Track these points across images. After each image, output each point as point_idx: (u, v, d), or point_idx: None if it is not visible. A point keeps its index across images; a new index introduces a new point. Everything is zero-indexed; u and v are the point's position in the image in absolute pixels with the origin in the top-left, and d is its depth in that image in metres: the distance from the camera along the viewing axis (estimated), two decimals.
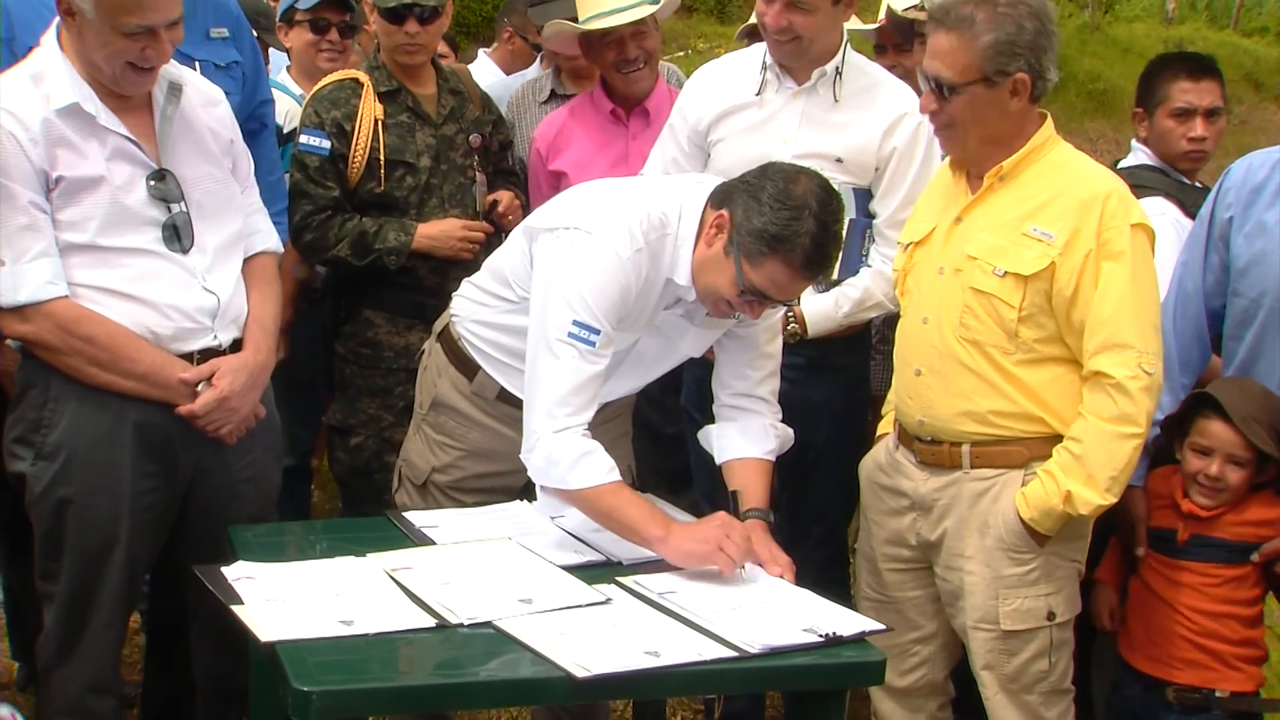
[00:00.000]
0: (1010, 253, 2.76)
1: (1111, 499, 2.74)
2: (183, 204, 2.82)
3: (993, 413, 2.80)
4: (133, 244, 2.77)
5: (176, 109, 2.84)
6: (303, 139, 3.64)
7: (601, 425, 3.02)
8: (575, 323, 2.64)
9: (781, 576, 2.65)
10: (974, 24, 2.68)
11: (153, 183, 2.79)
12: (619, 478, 2.67)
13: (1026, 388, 2.78)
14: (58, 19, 2.76)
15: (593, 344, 2.65)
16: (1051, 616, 2.83)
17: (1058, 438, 2.78)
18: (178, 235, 2.82)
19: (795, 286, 2.69)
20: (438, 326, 3.12)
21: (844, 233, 2.69)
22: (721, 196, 2.71)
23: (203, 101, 2.93)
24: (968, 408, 2.81)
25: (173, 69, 2.86)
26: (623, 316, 2.71)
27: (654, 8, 3.69)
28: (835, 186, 3.21)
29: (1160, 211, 3.32)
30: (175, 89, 2.84)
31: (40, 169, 2.69)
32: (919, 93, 2.90)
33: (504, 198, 3.80)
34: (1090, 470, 2.71)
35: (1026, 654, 2.84)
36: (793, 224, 2.58)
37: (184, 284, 2.83)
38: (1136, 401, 2.70)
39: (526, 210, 3.87)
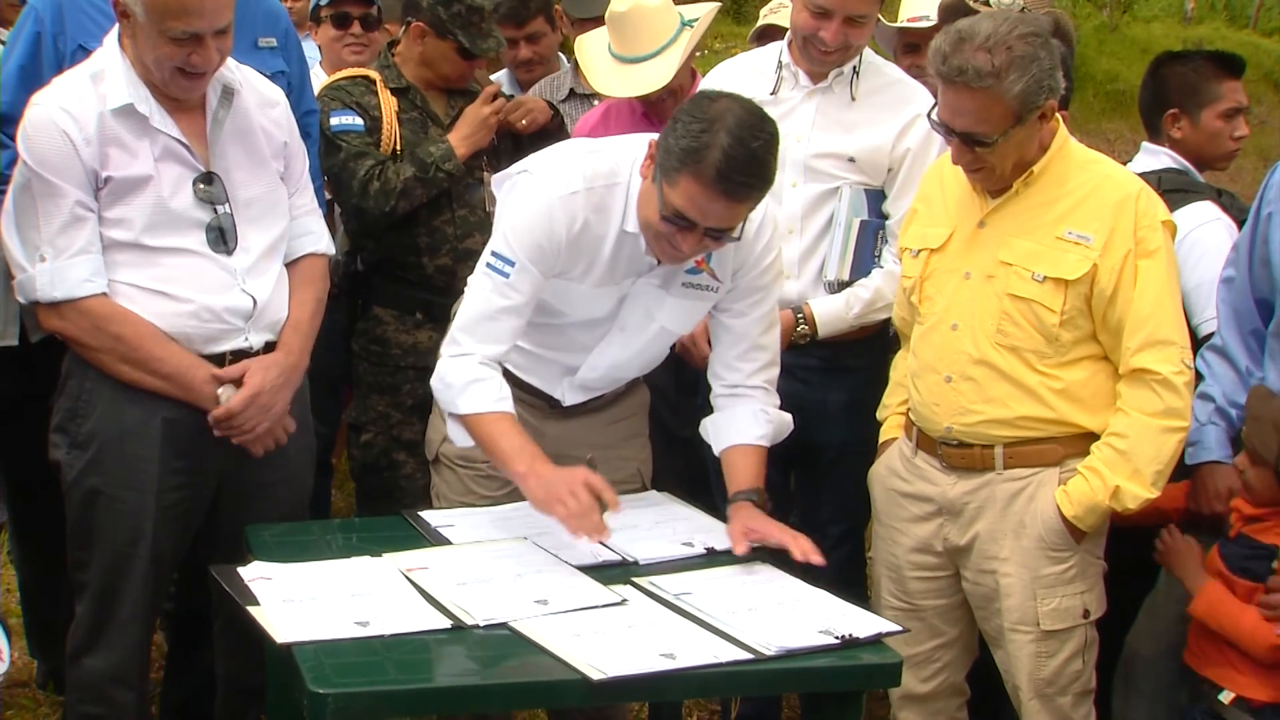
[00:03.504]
0: (1047, 257, 2.75)
1: (1156, 493, 2.76)
2: (227, 205, 2.86)
3: (1023, 418, 2.80)
4: (176, 244, 2.81)
5: (228, 113, 2.88)
6: (334, 121, 3.63)
7: (612, 424, 3.04)
8: (494, 254, 2.71)
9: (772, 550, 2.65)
10: (1000, 77, 2.62)
11: (200, 185, 2.83)
12: (508, 409, 2.68)
13: (1063, 390, 2.78)
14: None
15: (506, 275, 2.69)
16: (1086, 614, 2.85)
17: (1089, 435, 2.79)
18: (222, 237, 2.85)
19: (715, 207, 2.57)
20: (454, 310, 3.14)
21: (771, 156, 2.58)
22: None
23: (259, 102, 2.96)
24: (1002, 414, 2.81)
25: (229, 72, 2.89)
26: (555, 264, 2.71)
27: (677, 63, 3.65)
28: (849, 187, 3.24)
29: (1215, 216, 3.30)
30: (229, 93, 2.87)
31: (90, 168, 2.74)
32: (935, 93, 2.88)
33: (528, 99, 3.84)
34: (1137, 465, 2.73)
35: (1064, 654, 2.84)
36: (703, 136, 2.53)
37: (223, 285, 2.85)
38: (1182, 396, 2.73)
39: (560, 118, 3.90)
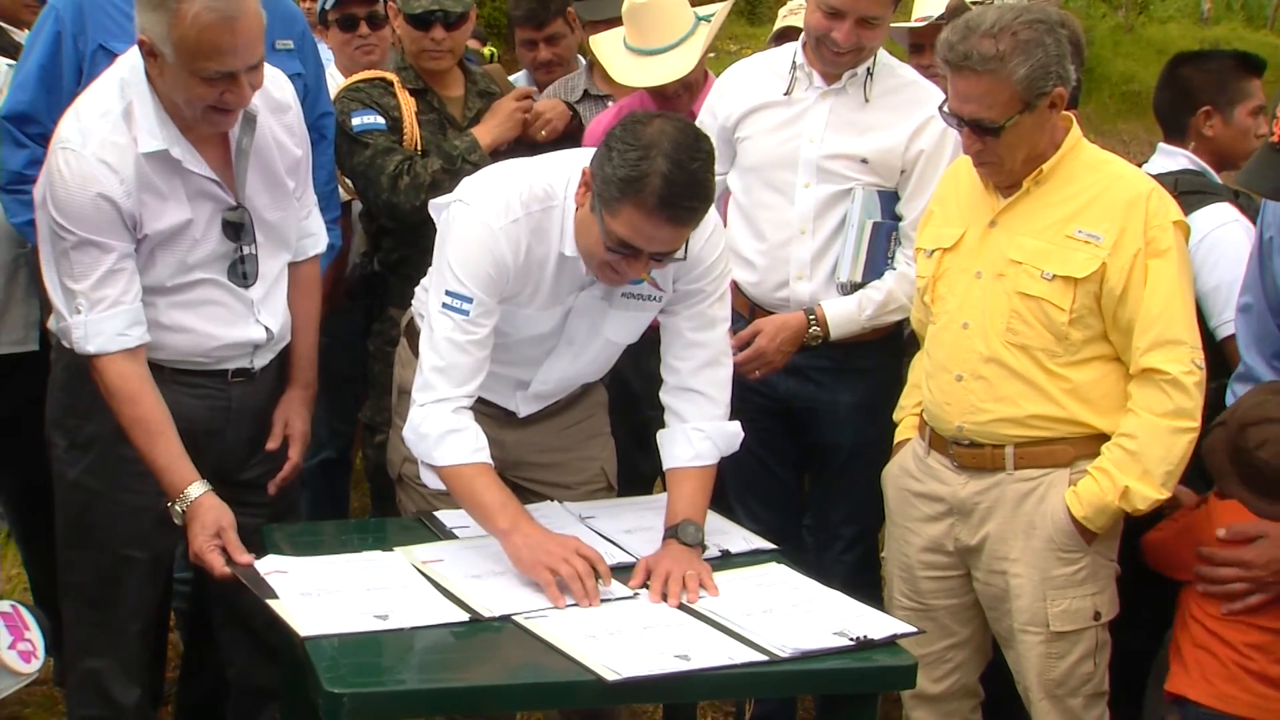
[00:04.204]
0: (1057, 255, 2.75)
1: (1167, 493, 2.75)
2: (254, 246, 2.84)
3: (1034, 417, 2.80)
4: (198, 276, 2.80)
5: (252, 141, 2.82)
6: (356, 121, 3.62)
7: (571, 427, 3.04)
8: (448, 293, 2.67)
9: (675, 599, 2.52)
10: (1003, 60, 2.65)
11: (228, 220, 2.80)
12: (485, 459, 2.65)
13: (1073, 389, 2.78)
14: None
15: (466, 313, 2.66)
16: (1097, 616, 2.84)
17: (1101, 436, 2.78)
18: (243, 270, 2.84)
19: (659, 233, 2.53)
20: (404, 321, 3.14)
21: (710, 174, 2.54)
22: (592, 156, 2.63)
23: (272, 108, 2.88)
24: (1012, 413, 2.80)
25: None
26: (506, 290, 2.69)
27: (698, 54, 3.65)
28: (862, 188, 3.24)
29: (1234, 217, 3.27)
30: (250, 119, 2.80)
31: (131, 215, 2.69)
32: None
33: (547, 102, 3.83)
34: (1146, 465, 2.72)
35: (1074, 656, 2.83)
36: (641, 164, 2.47)
37: (239, 317, 2.85)
38: (1191, 396, 2.72)
39: (579, 120, 3.89)
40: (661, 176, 2.47)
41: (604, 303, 2.81)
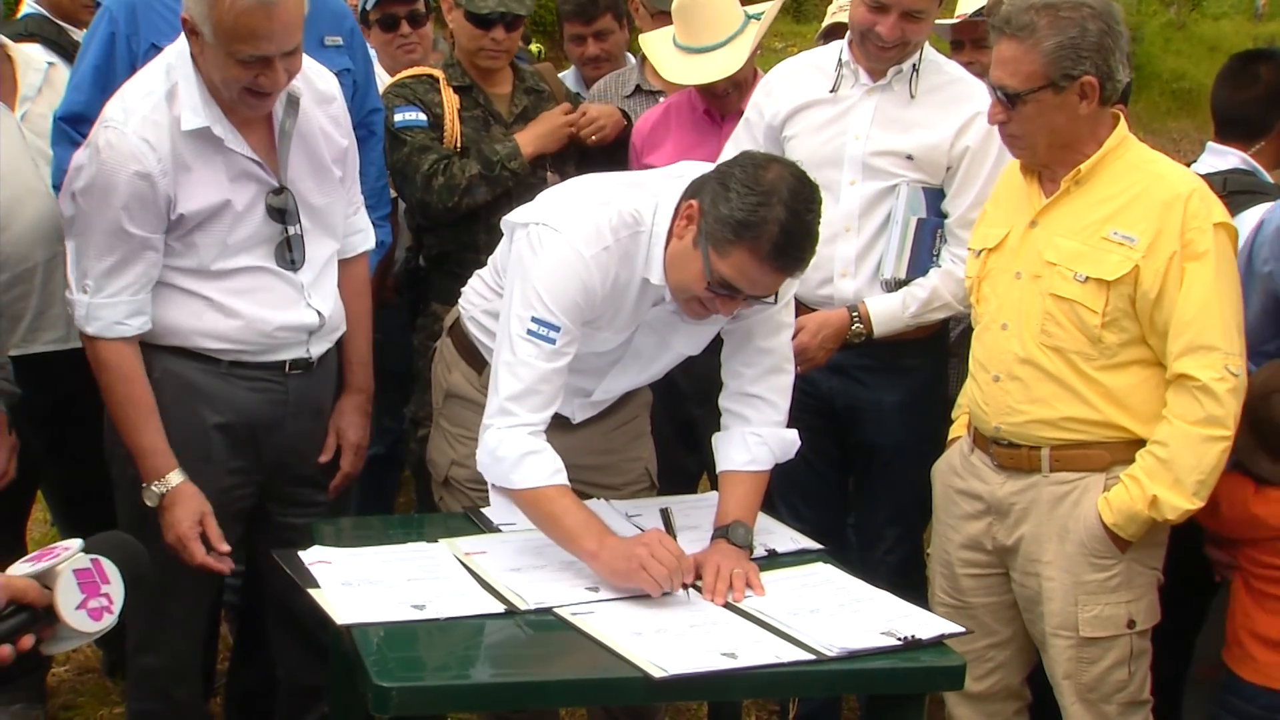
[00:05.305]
0: (1091, 257, 2.73)
1: (1199, 503, 2.71)
2: (299, 226, 2.87)
3: (1069, 419, 2.78)
4: (245, 263, 2.83)
5: (295, 124, 2.85)
6: (398, 117, 3.65)
7: (617, 429, 3.04)
8: (535, 319, 2.63)
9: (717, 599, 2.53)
10: (1036, 30, 2.65)
11: (272, 202, 2.83)
12: (564, 481, 2.62)
13: (1108, 393, 2.75)
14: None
15: (553, 341, 2.63)
16: (1132, 624, 2.80)
17: (1139, 442, 2.75)
18: (290, 253, 2.87)
19: (766, 279, 2.55)
20: (448, 321, 3.14)
21: (819, 224, 2.55)
22: (695, 187, 2.62)
23: (317, 99, 2.92)
24: (1047, 415, 2.79)
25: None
26: (589, 316, 2.68)
27: (747, 51, 3.65)
28: (907, 185, 3.23)
29: None
30: (293, 102, 2.84)
31: (166, 195, 2.72)
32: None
33: (600, 107, 3.84)
34: (1177, 474, 2.68)
35: (1106, 662, 2.81)
36: (760, 210, 2.48)
37: (290, 301, 2.88)
38: (1223, 404, 2.67)
39: (630, 125, 3.89)
40: (779, 224, 2.48)
41: (675, 316, 2.80)
